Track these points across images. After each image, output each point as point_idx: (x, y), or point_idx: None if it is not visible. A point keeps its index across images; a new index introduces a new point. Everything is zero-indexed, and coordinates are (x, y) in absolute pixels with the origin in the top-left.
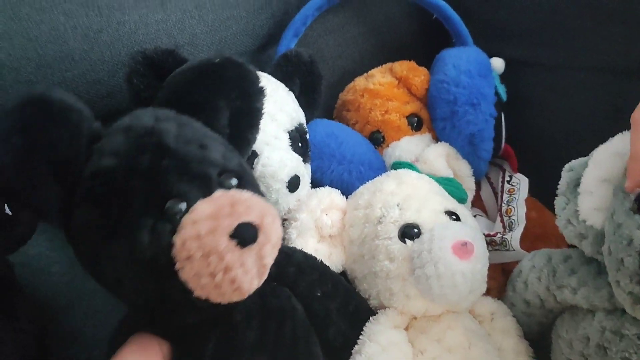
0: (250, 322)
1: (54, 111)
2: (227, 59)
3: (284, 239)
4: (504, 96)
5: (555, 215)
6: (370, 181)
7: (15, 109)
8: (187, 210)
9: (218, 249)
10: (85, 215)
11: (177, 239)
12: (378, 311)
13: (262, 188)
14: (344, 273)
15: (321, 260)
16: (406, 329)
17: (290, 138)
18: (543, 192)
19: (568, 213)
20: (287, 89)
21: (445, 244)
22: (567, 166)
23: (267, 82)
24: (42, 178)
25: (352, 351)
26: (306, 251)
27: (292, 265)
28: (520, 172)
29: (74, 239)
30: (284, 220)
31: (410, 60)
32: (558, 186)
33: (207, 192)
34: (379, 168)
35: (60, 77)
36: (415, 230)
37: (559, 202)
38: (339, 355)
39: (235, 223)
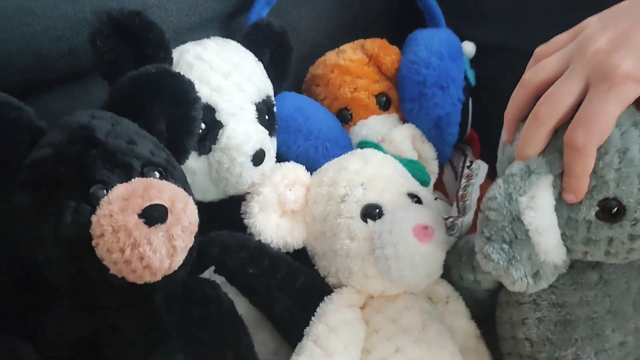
0: (172, 307)
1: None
2: (163, 70)
3: (245, 213)
4: (472, 81)
5: None
6: (335, 159)
7: None
8: (106, 194)
9: (127, 225)
10: (20, 199)
11: (93, 218)
12: (335, 289)
13: (226, 161)
14: (305, 249)
15: (259, 240)
16: (362, 307)
17: (257, 110)
18: None
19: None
20: (256, 58)
21: (406, 225)
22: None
23: (236, 50)
24: None
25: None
26: (268, 225)
27: (215, 245)
28: (483, 158)
29: (11, 222)
30: (246, 194)
31: (382, 39)
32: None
33: (127, 179)
34: (345, 146)
35: (20, 32)
36: (377, 210)
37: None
38: (290, 331)
39: (145, 204)
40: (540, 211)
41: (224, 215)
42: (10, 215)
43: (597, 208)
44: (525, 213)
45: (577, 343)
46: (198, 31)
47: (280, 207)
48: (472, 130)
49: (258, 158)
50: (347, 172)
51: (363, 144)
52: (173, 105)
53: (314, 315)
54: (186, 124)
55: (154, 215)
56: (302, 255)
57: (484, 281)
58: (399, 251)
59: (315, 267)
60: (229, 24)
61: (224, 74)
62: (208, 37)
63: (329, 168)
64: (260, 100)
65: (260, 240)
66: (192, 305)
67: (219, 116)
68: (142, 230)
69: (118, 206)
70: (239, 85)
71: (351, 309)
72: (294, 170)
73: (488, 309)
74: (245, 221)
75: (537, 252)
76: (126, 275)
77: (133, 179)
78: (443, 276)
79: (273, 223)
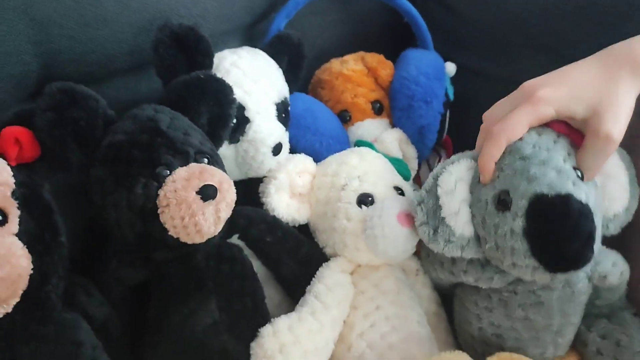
0: (209, 263)
1: (77, 98)
2: (210, 76)
3: (262, 193)
4: (451, 96)
5: None
6: (337, 153)
7: (51, 93)
8: (169, 174)
9: (187, 199)
10: (99, 173)
11: (161, 192)
12: (330, 258)
13: (252, 150)
14: (308, 225)
15: (273, 215)
16: (351, 273)
17: (277, 109)
18: None
19: (442, 236)
20: (277, 65)
21: (392, 212)
22: (417, 199)
23: (264, 60)
24: (66, 143)
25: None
26: (280, 204)
27: (242, 217)
28: None
29: (90, 190)
30: (264, 177)
31: (379, 53)
32: (415, 220)
33: (185, 163)
34: (344, 142)
35: (95, 34)
36: (370, 198)
37: (424, 231)
38: (292, 288)
39: (201, 184)
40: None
41: (240, 192)
42: (88, 185)
43: (493, 194)
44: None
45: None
46: (228, 36)
47: (291, 190)
48: (447, 136)
49: (277, 150)
50: (347, 166)
51: (360, 143)
52: (215, 105)
53: (313, 278)
54: (223, 119)
55: (208, 192)
56: (304, 230)
57: (442, 280)
58: (385, 232)
59: (316, 240)
60: (252, 31)
61: (254, 79)
62: (235, 40)
63: (332, 161)
64: (280, 101)
65: (274, 216)
66: (223, 262)
67: (247, 113)
68: (199, 204)
69: (181, 184)
70: (265, 89)
71: (343, 273)
72: (304, 161)
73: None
74: (262, 199)
75: (445, 215)
76: (181, 237)
77: (190, 164)
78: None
79: (284, 202)
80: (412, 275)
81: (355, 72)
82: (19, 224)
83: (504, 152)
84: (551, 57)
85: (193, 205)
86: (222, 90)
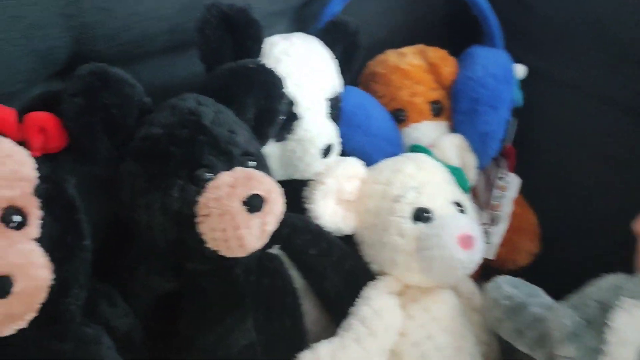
0: (248, 277)
1: (110, 82)
2: (261, 66)
3: (307, 198)
4: (519, 101)
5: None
6: (391, 159)
7: (81, 76)
8: (211, 179)
9: (232, 210)
10: (131, 168)
11: (201, 199)
12: (377, 276)
13: (299, 151)
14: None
15: (317, 224)
16: (399, 294)
17: (329, 106)
18: (530, 193)
19: None
20: (332, 56)
21: (453, 233)
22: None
23: (318, 49)
24: (95, 132)
25: (348, 310)
26: (326, 211)
27: (287, 226)
28: (517, 172)
29: (118, 186)
30: (310, 181)
31: (441, 47)
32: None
33: (229, 166)
34: (398, 145)
35: (133, 9)
36: (427, 214)
37: None
38: (334, 305)
39: (248, 193)
40: None
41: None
42: (117, 180)
43: None
44: None
45: None
46: (276, 17)
47: (338, 196)
48: (510, 145)
49: (327, 151)
50: (402, 174)
51: (416, 148)
52: (264, 98)
53: (356, 295)
54: (271, 115)
55: (255, 203)
56: (348, 241)
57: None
58: (443, 254)
59: (361, 253)
60: (302, 13)
61: (307, 71)
62: (283, 23)
63: (385, 168)
64: (333, 97)
65: (319, 224)
66: (264, 276)
67: (296, 109)
68: (244, 216)
69: (225, 192)
70: (317, 82)
71: (391, 295)
72: (354, 166)
73: None
74: (307, 205)
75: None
76: (220, 250)
77: (236, 168)
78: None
79: (330, 209)
80: (464, 299)
81: (414, 67)
82: (41, 227)
83: None
84: (632, 68)
85: (238, 217)
86: (273, 83)
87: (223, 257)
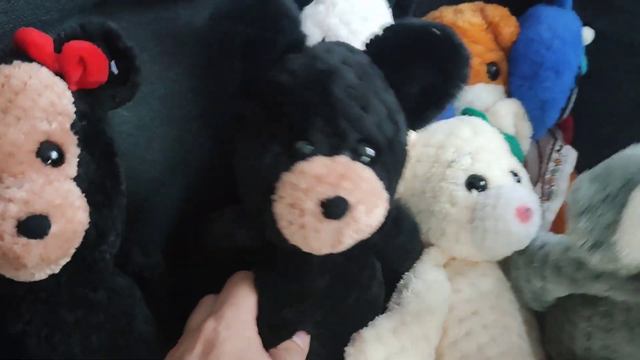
0: (324, 274)
1: (269, 10)
2: (447, 35)
3: None
4: (584, 69)
5: None
6: (444, 121)
7: None
8: (305, 158)
9: (302, 206)
10: (245, 110)
11: (283, 177)
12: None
13: None
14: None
15: (420, 239)
16: (445, 266)
17: None
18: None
19: (603, 254)
20: (387, 4)
21: (511, 204)
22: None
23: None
24: (232, 55)
25: (397, 284)
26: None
27: (400, 238)
28: (574, 145)
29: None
30: None
31: (501, 5)
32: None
33: (334, 151)
34: (448, 108)
35: None
36: (482, 182)
37: (580, 239)
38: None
39: (331, 194)
40: None
41: None
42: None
43: None
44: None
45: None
46: None
47: None
48: (569, 116)
49: None
50: (457, 138)
51: (469, 111)
52: (440, 74)
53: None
54: (441, 97)
55: (333, 211)
56: None
57: (549, 292)
58: (498, 226)
59: None
60: None
61: (362, 18)
62: None
63: (438, 130)
64: None
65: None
66: (340, 282)
67: None
68: (316, 218)
69: (306, 183)
70: (373, 31)
71: (438, 268)
72: None
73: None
74: None
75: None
76: (289, 239)
77: (339, 157)
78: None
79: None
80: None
81: (472, 25)
82: (78, 166)
83: None
84: None
85: (307, 217)
86: (456, 57)
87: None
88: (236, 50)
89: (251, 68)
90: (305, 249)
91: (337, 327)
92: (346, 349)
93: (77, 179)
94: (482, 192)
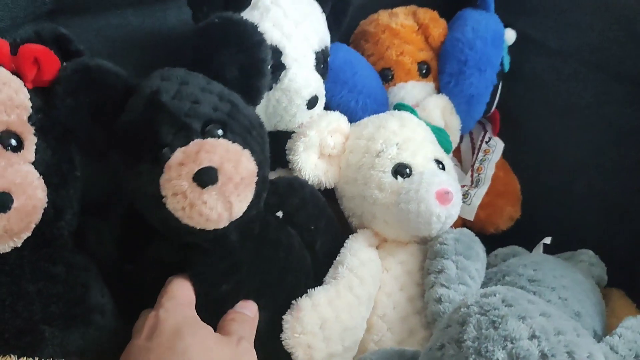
0: (246, 243)
1: (93, 76)
2: (226, 18)
3: (290, 150)
4: (507, 66)
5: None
6: (375, 115)
7: (67, 77)
8: (168, 158)
9: (182, 189)
10: (114, 157)
11: (160, 181)
12: (356, 229)
13: (285, 101)
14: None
15: (324, 201)
16: (377, 247)
17: (316, 58)
18: (514, 158)
19: None
20: (321, 10)
21: (431, 188)
22: None
23: (310, 3)
24: (89, 125)
25: (333, 261)
26: (307, 164)
27: (298, 197)
28: (501, 136)
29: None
30: (293, 133)
31: (433, 9)
32: None
33: (187, 141)
34: (383, 103)
35: None
36: (407, 170)
37: None
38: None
39: (196, 168)
40: None
41: None
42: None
43: None
44: None
45: None
46: None
47: (320, 150)
48: (495, 110)
49: (312, 103)
50: (386, 130)
51: (400, 106)
52: (240, 52)
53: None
54: (256, 67)
55: (203, 178)
56: (329, 194)
57: None
58: (420, 208)
59: (341, 207)
60: None
61: (295, 22)
62: None
63: (369, 123)
64: (320, 50)
65: (324, 201)
66: (264, 246)
67: (284, 59)
68: (196, 192)
69: (176, 172)
70: (306, 34)
71: (371, 248)
72: (338, 120)
73: None
74: (289, 157)
75: None
76: (195, 225)
77: (191, 142)
78: None
79: (312, 162)
80: None
81: (404, 27)
82: (35, 152)
83: None
84: (624, 35)
85: (189, 195)
86: (245, 34)
87: (208, 230)
88: (86, 119)
89: (106, 125)
90: (208, 225)
91: (277, 292)
92: (284, 317)
93: (35, 163)
94: (407, 178)
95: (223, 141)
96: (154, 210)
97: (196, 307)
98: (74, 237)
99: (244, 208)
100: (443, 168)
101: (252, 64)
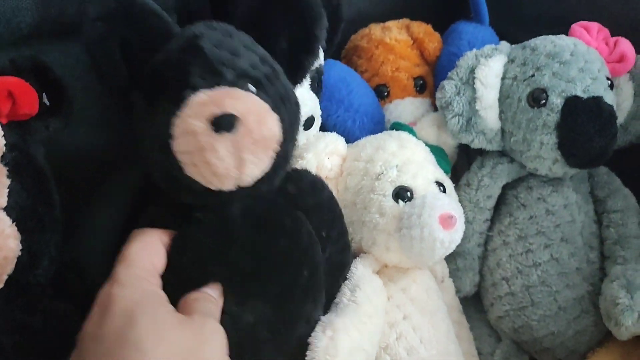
0: (246, 221)
1: (135, 10)
2: None
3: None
4: None
5: None
6: (373, 136)
7: (105, 1)
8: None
9: (195, 129)
10: (135, 99)
11: (175, 121)
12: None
13: None
14: None
15: (341, 210)
16: (378, 273)
17: (310, 77)
18: None
19: (475, 128)
20: None
21: (434, 213)
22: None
23: None
24: (114, 58)
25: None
26: None
27: (315, 198)
28: None
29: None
30: None
31: (427, 23)
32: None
33: (213, 87)
34: (380, 122)
35: None
36: (408, 193)
37: (455, 122)
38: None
39: (217, 112)
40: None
41: None
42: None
43: (529, 91)
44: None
45: (540, 266)
46: None
47: (317, 173)
48: None
49: (309, 123)
50: (385, 152)
51: (397, 126)
52: (297, 23)
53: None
54: (308, 42)
55: (221, 122)
56: None
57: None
58: (424, 234)
59: None
60: None
61: None
62: None
63: (367, 144)
64: (314, 68)
65: (341, 211)
66: (265, 229)
67: None
68: (208, 136)
69: (193, 111)
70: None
71: (375, 276)
72: (335, 142)
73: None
74: None
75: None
76: (198, 179)
77: (217, 87)
78: None
79: None
80: (438, 281)
81: (398, 42)
82: (8, 196)
83: (539, 54)
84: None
85: (201, 138)
86: (306, 5)
87: (212, 191)
88: (113, 51)
89: (132, 63)
90: (213, 180)
91: (272, 281)
92: (314, 334)
93: (7, 209)
94: (408, 202)
95: (252, 95)
96: (158, 156)
97: (166, 277)
98: (52, 279)
99: (257, 174)
100: (444, 190)
101: (305, 39)
